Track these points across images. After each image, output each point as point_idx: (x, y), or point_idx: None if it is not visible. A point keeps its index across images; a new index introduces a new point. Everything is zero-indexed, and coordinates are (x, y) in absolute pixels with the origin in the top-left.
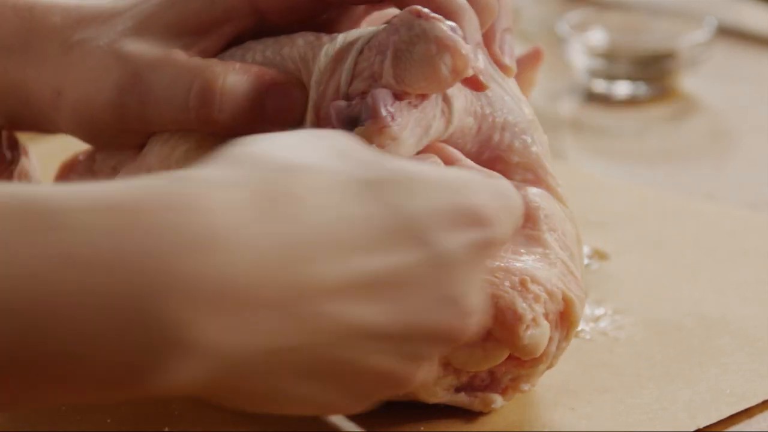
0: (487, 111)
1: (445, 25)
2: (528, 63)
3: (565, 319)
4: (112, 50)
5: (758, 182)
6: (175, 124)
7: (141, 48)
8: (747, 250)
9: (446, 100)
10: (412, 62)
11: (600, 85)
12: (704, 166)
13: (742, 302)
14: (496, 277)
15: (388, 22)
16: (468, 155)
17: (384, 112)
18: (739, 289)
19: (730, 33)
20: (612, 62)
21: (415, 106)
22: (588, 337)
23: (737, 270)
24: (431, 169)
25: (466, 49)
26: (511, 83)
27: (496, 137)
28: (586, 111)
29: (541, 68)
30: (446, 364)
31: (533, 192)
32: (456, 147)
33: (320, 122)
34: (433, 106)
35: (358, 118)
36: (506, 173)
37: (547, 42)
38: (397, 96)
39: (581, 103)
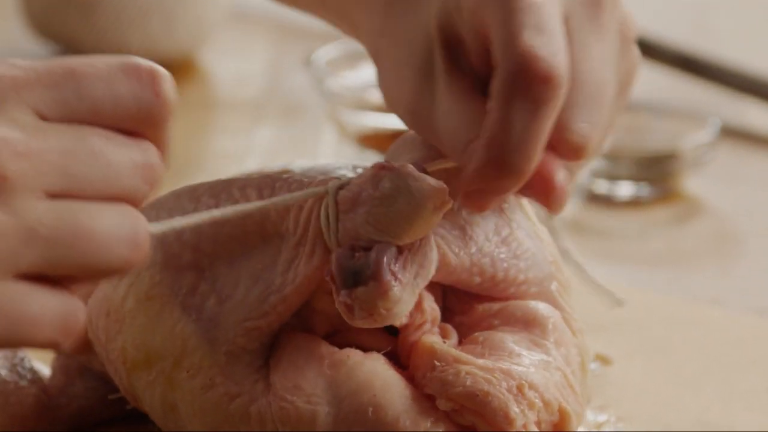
0: (510, 261)
1: (411, 169)
2: None
3: None
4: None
5: (765, 287)
6: None
7: None
8: (754, 358)
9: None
10: (395, 218)
11: (602, 186)
12: (709, 270)
13: (749, 411)
14: (494, 377)
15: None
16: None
17: (387, 275)
18: (745, 397)
19: (734, 133)
20: (614, 163)
21: (415, 252)
22: None
23: (744, 378)
24: None
25: (436, 182)
26: (532, 215)
27: (514, 279)
28: (587, 212)
29: None
30: None
31: (546, 306)
32: (466, 285)
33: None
34: (429, 242)
35: (360, 273)
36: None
37: None
38: (400, 249)
39: (582, 205)
